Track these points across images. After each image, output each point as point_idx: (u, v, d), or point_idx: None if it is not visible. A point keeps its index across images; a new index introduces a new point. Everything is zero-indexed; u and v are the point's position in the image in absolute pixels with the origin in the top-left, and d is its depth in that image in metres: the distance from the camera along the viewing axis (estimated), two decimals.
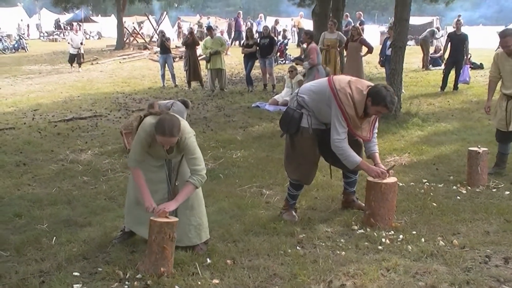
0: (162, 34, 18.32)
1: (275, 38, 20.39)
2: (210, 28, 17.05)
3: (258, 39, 16.73)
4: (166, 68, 17.84)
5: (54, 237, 5.30)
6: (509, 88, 7.11)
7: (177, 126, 4.47)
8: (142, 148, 4.68)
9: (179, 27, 40.91)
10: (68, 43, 23.12)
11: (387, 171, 5.49)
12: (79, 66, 22.63)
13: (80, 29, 26.15)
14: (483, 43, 24.88)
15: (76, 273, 4.51)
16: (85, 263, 4.72)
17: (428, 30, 22.70)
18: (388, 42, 14.46)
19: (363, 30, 20.70)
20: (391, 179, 5.51)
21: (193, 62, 16.72)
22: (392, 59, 11.41)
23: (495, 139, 7.61)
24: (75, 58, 22.43)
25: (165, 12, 39.33)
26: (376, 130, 5.67)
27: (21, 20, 43.72)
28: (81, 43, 22.38)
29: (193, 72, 16.81)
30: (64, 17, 47.25)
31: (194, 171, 4.65)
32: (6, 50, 31.07)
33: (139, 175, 4.71)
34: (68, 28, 44.14)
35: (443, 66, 16.86)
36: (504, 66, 7.14)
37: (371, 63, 20.38)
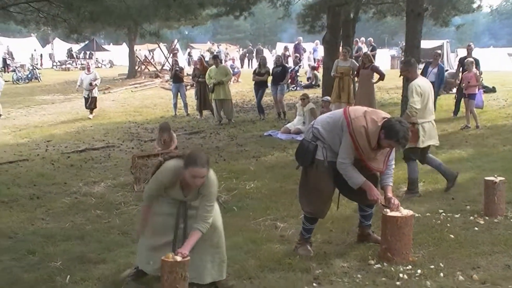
0: (175, 64, 18.35)
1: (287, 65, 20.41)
2: (216, 57, 16.77)
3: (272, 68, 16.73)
4: (178, 97, 17.81)
5: (68, 276, 5.25)
6: None
7: (207, 159, 4.52)
8: (158, 187, 4.68)
9: (189, 55, 41.16)
10: (79, 85, 18.37)
11: (385, 205, 5.45)
12: (90, 113, 17.71)
13: (91, 65, 21.44)
14: (494, 65, 24.72)
15: None
16: None
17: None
18: (430, 68, 14.27)
19: (374, 56, 20.68)
20: (407, 212, 5.43)
21: (203, 91, 16.54)
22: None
23: None
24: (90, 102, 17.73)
25: (176, 40, 39.61)
26: (393, 162, 5.61)
27: (35, 50, 44.16)
28: (92, 84, 17.37)
29: (203, 101, 16.65)
30: (77, 46, 47.65)
31: (204, 219, 4.59)
32: (20, 81, 31.17)
33: (147, 212, 4.77)
34: (81, 57, 44.41)
35: (455, 91, 16.73)
36: None
37: (382, 89, 20.33)
